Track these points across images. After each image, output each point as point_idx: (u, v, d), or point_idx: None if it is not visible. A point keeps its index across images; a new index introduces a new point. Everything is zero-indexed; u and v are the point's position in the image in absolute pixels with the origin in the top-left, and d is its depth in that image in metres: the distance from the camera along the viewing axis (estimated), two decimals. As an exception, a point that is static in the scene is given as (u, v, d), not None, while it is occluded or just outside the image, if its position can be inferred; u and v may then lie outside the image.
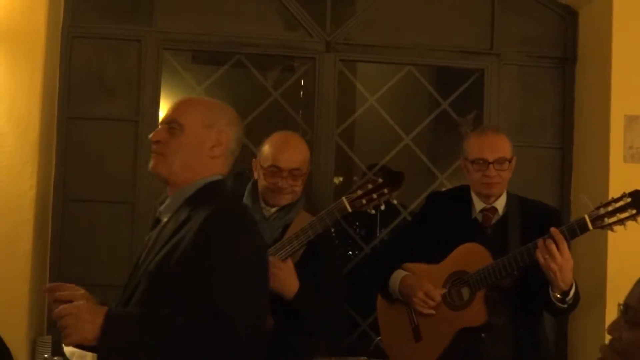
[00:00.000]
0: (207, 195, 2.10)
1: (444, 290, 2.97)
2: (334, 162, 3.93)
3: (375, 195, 2.81)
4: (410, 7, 4.03)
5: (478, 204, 3.06)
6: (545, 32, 4.10)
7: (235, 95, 4.33)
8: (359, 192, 2.82)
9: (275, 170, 2.91)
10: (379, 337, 3.24)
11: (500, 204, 3.06)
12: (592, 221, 2.74)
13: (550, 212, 3.12)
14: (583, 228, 2.75)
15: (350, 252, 4.17)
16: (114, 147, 3.77)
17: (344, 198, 2.83)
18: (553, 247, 2.73)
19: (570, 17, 4.07)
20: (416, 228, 3.20)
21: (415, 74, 4.07)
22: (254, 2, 3.93)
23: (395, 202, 3.01)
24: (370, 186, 2.82)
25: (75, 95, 3.74)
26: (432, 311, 2.96)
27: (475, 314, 2.91)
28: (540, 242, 2.76)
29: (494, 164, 2.99)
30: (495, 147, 3.02)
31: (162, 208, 2.19)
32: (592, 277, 3.62)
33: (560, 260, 2.72)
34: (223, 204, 2.08)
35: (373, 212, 2.86)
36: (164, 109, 3.85)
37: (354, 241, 4.17)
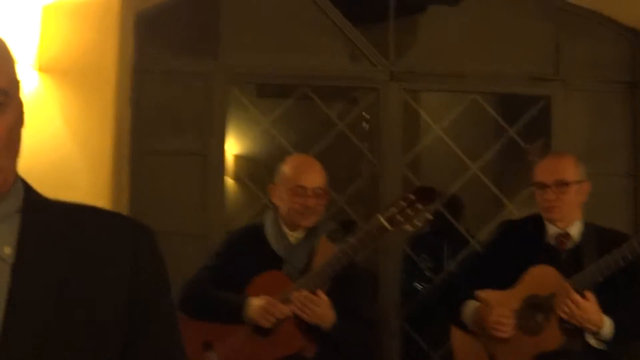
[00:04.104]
0: None
1: (517, 307, 2.93)
2: (401, 193, 3.92)
3: (409, 211, 2.82)
4: (473, 35, 4.02)
5: (551, 229, 3.02)
6: (612, 56, 4.04)
7: (300, 128, 4.38)
8: (393, 210, 2.82)
9: (300, 190, 2.93)
10: None
11: (575, 229, 3.01)
12: None
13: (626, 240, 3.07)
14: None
15: (418, 284, 4.16)
16: (183, 180, 3.83)
17: (378, 216, 2.84)
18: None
19: (638, 39, 4.01)
20: (488, 256, 3.18)
21: (480, 102, 4.05)
22: (318, 34, 3.97)
23: (430, 217, 2.99)
24: (403, 203, 2.83)
25: (146, 130, 3.82)
26: (507, 334, 2.92)
27: (551, 338, 2.87)
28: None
29: (552, 186, 2.96)
30: (553, 170, 3.00)
31: None
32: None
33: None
34: None
35: (411, 229, 2.86)
36: (230, 142, 3.91)
37: (420, 273, 4.14)
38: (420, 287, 4.13)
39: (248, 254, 2.97)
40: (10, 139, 1.23)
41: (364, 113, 4.21)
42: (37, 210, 1.29)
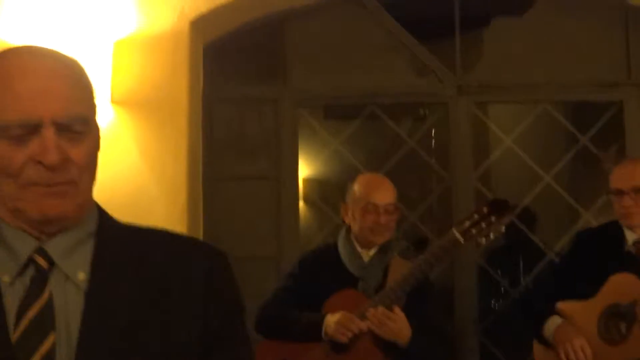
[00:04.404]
0: None
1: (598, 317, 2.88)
2: (473, 207, 3.89)
3: (483, 225, 2.80)
4: (540, 44, 3.98)
5: (630, 236, 2.96)
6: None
7: (368, 147, 4.40)
8: (467, 223, 2.82)
9: (372, 207, 2.94)
10: None
11: None
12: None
13: None
14: None
15: (494, 299, 4.11)
16: (256, 204, 3.89)
17: (453, 230, 2.83)
18: None
19: None
20: (567, 267, 3.12)
21: (551, 111, 4.01)
22: (384, 53, 3.99)
23: (503, 230, 2.96)
24: (476, 216, 2.82)
25: (218, 157, 3.90)
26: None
27: (636, 346, 2.80)
28: None
29: (630, 193, 2.91)
30: (629, 176, 2.95)
31: None
32: None
33: None
34: None
35: (485, 242, 2.84)
36: (301, 164, 3.96)
37: (496, 287, 4.10)
38: (497, 301, 4.08)
39: (322, 274, 3.00)
40: (90, 165, 1.26)
41: (428, 129, 4.21)
42: (110, 235, 1.31)
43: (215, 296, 1.31)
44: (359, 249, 2.99)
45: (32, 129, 1.19)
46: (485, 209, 2.85)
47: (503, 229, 2.96)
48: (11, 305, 1.20)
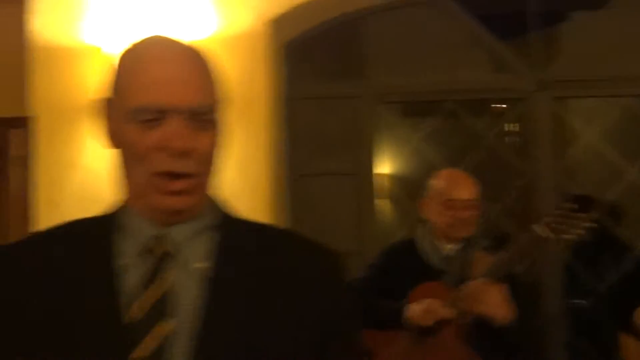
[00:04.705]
0: None
1: None
2: (555, 203, 3.86)
3: (568, 221, 2.77)
4: (620, 37, 3.91)
5: None
6: None
7: (446, 144, 4.39)
8: (551, 220, 2.79)
9: (452, 203, 2.93)
10: None
11: None
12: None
13: None
14: None
15: (579, 297, 4.05)
16: (337, 200, 3.93)
17: (536, 226, 2.80)
18: None
19: None
20: None
21: (633, 105, 3.94)
22: (462, 49, 3.99)
23: (589, 225, 2.91)
24: (561, 212, 2.78)
25: (300, 154, 3.95)
26: None
27: None
28: None
29: None
30: None
31: None
32: None
33: None
34: None
35: (569, 238, 2.80)
36: (380, 161, 3.98)
37: (582, 283, 4.04)
38: (583, 297, 4.02)
39: (401, 267, 3.00)
40: (212, 157, 1.28)
41: (507, 125, 4.18)
42: (232, 228, 1.32)
43: (332, 296, 1.32)
44: (440, 243, 2.99)
45: (161, 114, 1.22)
46: (569, 205, 2.83)
47: (588, 225, 2.92)
48: (127, 288, 1.23)
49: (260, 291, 1.26)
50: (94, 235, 1.30)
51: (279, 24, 3.68)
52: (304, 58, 3.99)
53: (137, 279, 1.24)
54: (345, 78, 4.02)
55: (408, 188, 4.10)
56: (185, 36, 3.41)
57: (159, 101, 1.22)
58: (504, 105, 4.29)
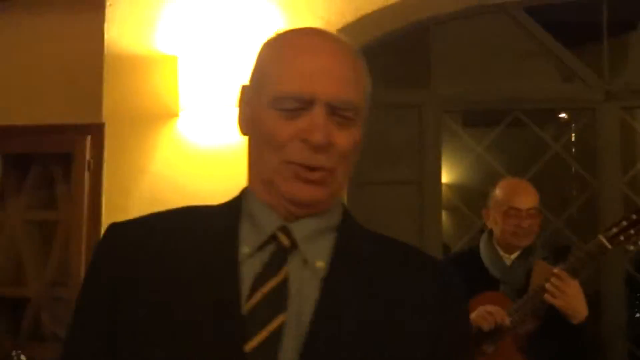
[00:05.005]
0: None
1: None
2: (621, 214, 3.81)
3: (632, 231, 2.76)
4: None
5: None
6: None
7: (510, 153, 4.38)
8: (615, 230, 2.78)
9: (514, 211, 2.94)
10: None
11: None
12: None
13: None
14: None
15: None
16: (401, 209, 3.96)
17: (600, 236, 2.80)
18: None
19: None
20: None
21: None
22: (529, 58, 3.98)
23: None
24: (625, 223, 2.77)
25: (363, 162, 3.96)
26: None
27: None
28: None
29: None
30: None
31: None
32: None
33: None
34: None
35: (632, 248, 2.79)
36: (444, 170, 4.00)
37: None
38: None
39: (464, 275, 3.02)
40: (350, 155, 1.26)
41: (574, 135, 4.15)
42: (352, 232, 1.30)
43: (448, 316, 1.26)
44: (501, 252, 3.01)
45: (305, 104, 1.20)
46: (634, 216, 2.82)
47: None
48: (246, 277, 1.21)
49: (376, 298, 1.22)
50: (221, 221, 1.28)
51: (346, 32, 3.73)
52: (370, 66, 4.03)
53: (257, 269, 1.22)
54: (411, 86, 4.05)
55: (470, 198, 4.11)
56: (252, 42, 3.50)
57: (305, 91, 1.20)
58: (570, 115, 4.27)
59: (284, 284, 1.20)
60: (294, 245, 1.24)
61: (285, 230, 1.24)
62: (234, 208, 1.29)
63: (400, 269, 1.29)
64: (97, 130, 3.55)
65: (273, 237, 1.24)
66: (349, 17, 3.64)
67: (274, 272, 1.21)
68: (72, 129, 3.63)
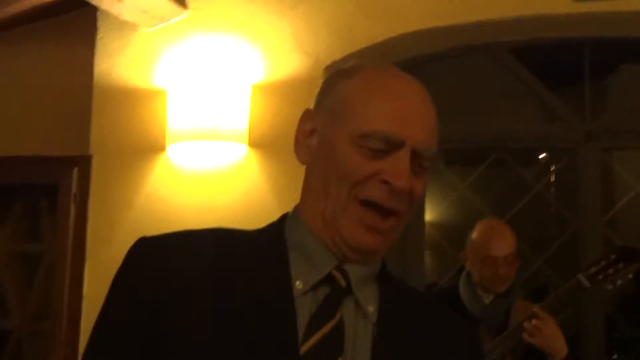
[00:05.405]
0: None
1: None
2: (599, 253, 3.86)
3: (611, 271, 2.80)
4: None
5: None
6: None
7: (492, 192, 4.42)
8: (593, 269, 2.82)
9: (491, 259, 2.96)
10: None
11: None
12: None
13: None
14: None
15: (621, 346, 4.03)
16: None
17: (579, 275, 2.84)
18: None
19: None
20: None
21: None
22: (512, 98, 4.04)
23: (630, 275, 2.93)
24: (603, 262, 2.81)
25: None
26: None
27: None
28: None
29: None
30: None
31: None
32: None
33: None
34: None
35: (610, 287, 2.82)
36: (427, 208, 4.02)
37: (623, 334, 4.01)
38: (626, 349, 3.99)
39: None
40: (418, 202, 1.23)
41: (554, 175, 4.20)
42: (389, 279, 1.28)
43: (469, 351, 1.30)
44: (479, 292, 3.04)
45: (393, 147, 1.17)
46: (613, 255, 2.86)
47: (631, 275, 2.95)
48: (301, 316, 1.17)
49: (418, 347, 1.23)
50: (266, 248, 1.23)
51: (333, 69, 3.75)
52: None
53: (312, 308, 1.18)
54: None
55: (452, 236, 4.14)
56: (243, 80, 3.54)
57: (397, 133, 1.18)
58: (551, 156, 4.32)
59: (340, 326, 1.17)
60: (348, 287, 1.20)
61: (342, 271, 1.21)
62: (276, 236, 1.24)
63: (433, 319, 1.31)
64: (84, 163, 3.57)
65: (329, 277, 1.20)
66: (336, 55, 3.67)
67: (331, 314, 1.18)
68: (59, 160, 3.65)
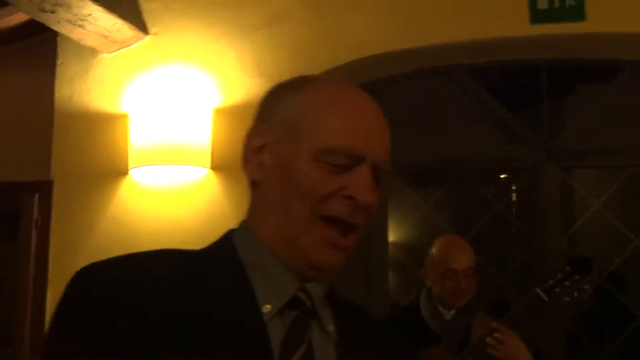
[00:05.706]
0: None
1: None
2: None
3: (567, 283, 2.84)
4: (624, 110, 4.02)
5: None
6: None
7: (455, 212, 4.47)
8: (550, 282, 2.86)
9: (451, 273, 3.00)
10: None
11: None
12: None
13: None
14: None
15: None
16: (348, 267, 3.96)
17: (537, 289, 2.87)
18: None
19: None
20: None
21: (637, 173, 4.01)
22: (472, 119, 4.09)
23: (587, 287, 2.97)
24: (559, 275, 2.86)
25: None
26: None
27: None
28: None
29: None
30: None
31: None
32: None
33: None
34: None
35: (567, 299, 2.86)
36: (391, 228, 4.04)
37: (585, 350, 4.07)
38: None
39: (406, 332, 3.06)
40: (373, 217, 1.20)
41: (515, 194, 4.26)
42: (337, 297, 1.26)
43: None
44: (440, 308, 3.07)
45: (354, 162, 1.16)
46: (568, 268, 2.90)
47: (588, 287, 2.98)
48: (274, 343, 1.13)
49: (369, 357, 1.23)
50: (223, 271, 1.16)
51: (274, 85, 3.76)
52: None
53: (281, 333, 1.13)
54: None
55: (416, 256, 4.18)
56: (204, 104, 3.54)
57: (359, 148, 1.16)
58: (512, 175, 4.38)
59: (311, 350, 1.14)
60: (313, 308, 1.18)
61: (305, 291, 1.18)
62: (229, 256, 1.19)
63: (379, 335, 1.30)
64: (45, 188, 3.54)
65: (295, 299, 1.17)
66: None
67: (300, 339, 1.14)
68: (20, 186, 3.62)
